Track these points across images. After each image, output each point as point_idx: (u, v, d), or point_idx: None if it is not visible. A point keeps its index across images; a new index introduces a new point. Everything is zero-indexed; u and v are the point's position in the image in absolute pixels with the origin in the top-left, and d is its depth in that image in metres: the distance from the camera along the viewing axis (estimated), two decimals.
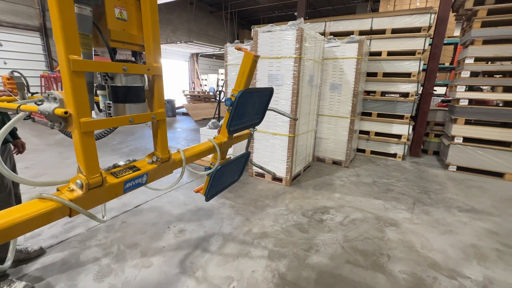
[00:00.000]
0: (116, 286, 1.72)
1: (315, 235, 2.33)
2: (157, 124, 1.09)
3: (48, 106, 0.80)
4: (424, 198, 3.17)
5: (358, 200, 3.05)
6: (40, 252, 2.00)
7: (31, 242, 2.13)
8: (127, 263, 1.93)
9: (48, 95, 0.81)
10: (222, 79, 14.54)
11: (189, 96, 11.14)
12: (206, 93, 11.64)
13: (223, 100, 6.96)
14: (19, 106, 0.90)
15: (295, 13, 15.99)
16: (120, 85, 0.94)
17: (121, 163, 1.04)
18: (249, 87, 1.50)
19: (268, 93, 1.60)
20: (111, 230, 2.34)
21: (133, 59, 1.08)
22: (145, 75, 1.05)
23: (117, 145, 5.29)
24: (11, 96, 1.32)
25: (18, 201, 1.82)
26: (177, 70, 15.28)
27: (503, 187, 3.59)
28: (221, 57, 17.95)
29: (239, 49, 1.48)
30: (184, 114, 9.84)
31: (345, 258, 2.04)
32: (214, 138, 1.53)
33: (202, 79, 15.94)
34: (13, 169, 1.79)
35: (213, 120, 4.16)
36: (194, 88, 15.63)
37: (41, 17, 8.84)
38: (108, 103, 0.98)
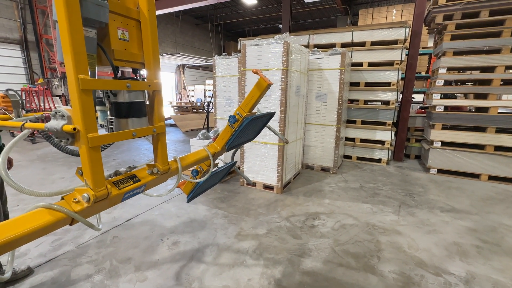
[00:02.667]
0: None
1: (307, 240, 2.39)
2: (157, 137, 1.14)
3: (56, 123, 0.83)
4: (409, 200, 3.33)
5: (347, 205, 3.15)
6: (28, 272, 1.93)
7: (17, 262, 2.06)
8: (121, 279, 1.90)
9: (56, 112, 0.85)
10: (209, 90, 14.64)
11: (176, 107, 11.11)
12: (194, 104, 11.65)
13: (212, 110, 7.03)
14: (23, 124, 0.92)
15: (279, 26, 16.54)
16: (123, 101, 0.99)
17: (122, 169, 1.07)
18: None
19: (269, 117, 1.72)
20: (102, 246, 2.29)
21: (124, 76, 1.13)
22: (146, 91, 1.10)
23: (104, 159, 5.15)
24: (5, 114, 1.33)
25: (6, 219, 1.77)
26: (164, 82, 15.22)
27: (480, 187, 3.83)
28: (207, 68, 18.11)
29: (255, 72, 1.57)
30: (171, 125, 9.77)
31: (337, 261, 2.11)
32: (208, 146, 1.57)
33: (189, 90, 15.97)
34: (1, 186, 1.75)
35: (203, 131, 4.19)
36: (181, 99, 15.59)
37: (21, 30, 8.65)
38: (110, 119, 1.02)
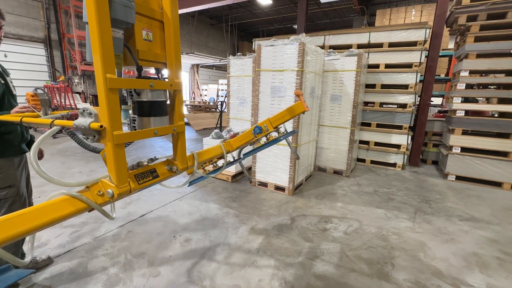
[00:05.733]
0: None
1: (319, 244, 2.37)
2: (177, 136, 1.16)
3: (83, 121, 0.86)
4: (425, 207, 3.22)
5: (360, 210, 3.10)
6: (48, 262, 2.01)
7: (39, 252, 2.15)
8: (135, 272, 1.95)
9: (84, 110, 0.88)
10: (221, 89, 14.76)
11: (189, 106, 11.26)
12: (207, 103, 11.78)
13: (225, 110, 7.09)
14: (52, 121, 0.96)
15: (294, 26, 16.45)
16: (146, 100, 1.01)
17: (144, 161, 1.10)
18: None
19: (290, 134, 1.76)
20: (118, 240, 2.36)
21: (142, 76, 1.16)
22: (167, 90, 1.12)
23: None
24: (35, 111, 1.39)
25: None
26: None
27: (502, 196, 3.66)
28: (220, 68, 18.26)
29: (297, 95, 1.60)
30: (185, 123, 9.90)
31: (350, 266, 2.07)
32: (224, 143, 1.59)
33: (202, 89, 16.16)
34: (28, 178, 1.83)
35: (216, 131, 4.23)
36: (194, 98, 15.80)
37: (46, 29, 9.03)
38: (133, 117, 1.05)
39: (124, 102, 1.18)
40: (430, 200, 3.46)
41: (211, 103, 11.66)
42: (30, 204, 1.84)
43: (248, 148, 1.87)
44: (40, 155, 1.91)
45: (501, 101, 4.12)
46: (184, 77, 16.00)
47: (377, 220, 2.84)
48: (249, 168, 3.95)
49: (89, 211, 0.91)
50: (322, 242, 2.39)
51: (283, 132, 1.75)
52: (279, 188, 3.58)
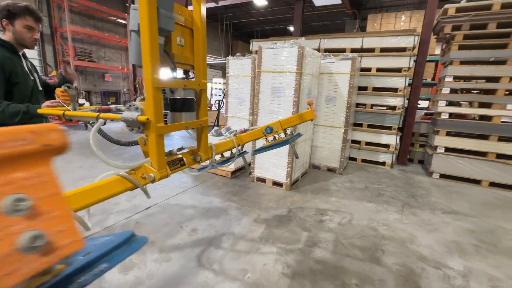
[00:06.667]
0: (141, 278, 1.88)
1: (316, 233, 2.57)
2: (201, 130, 1.32)
3: (131, 114, 1.01)
4: (412, 201, 3.49)
5: (353, 204, 3.32)
6: None
7: None
8: (148, 258, 2.08)
9: (130, 105, 1.03)
10: (216, 88, 14.83)
11: None
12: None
13: (223, 109, 7.23)
14: (98, 114, 1.10)
15: (288, 27, 16.66)
16: (179, 97, 1.17)
17: (174, 150, 1.25)
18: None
19: (297, 137, 1.93)
20: (127, 229, 2.47)
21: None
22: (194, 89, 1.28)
23: (117, 151, 5.38)
24: (64, 106, 1.51)
25: None
26: None
27: (479, 192, 3.98)
28: (214, 67, 18.28)
29: (309, 104, 1.79)
30: None
31: (345, 252, 2.28)
32: (235, 137, 1.75)
33: None
34: None
35: (216, 128, 4.37)
36: None
37: None
38: (165, 113, 1.20)
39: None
40: (416, 195, 3.73)
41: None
42: None
43: (249, 148, 2.04)
44: None
45: (481, 105, 4.45)
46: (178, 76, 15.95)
47: (368, 213, 3.07)
48: (248, 164, 4.12)
49: (131, 190, 1.05)
50: (319, 232, 2.59)
51: (289, 134, 1.92)
52: (276, 184, 3.77)
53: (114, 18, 11.42)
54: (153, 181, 1.05)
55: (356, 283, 1.92)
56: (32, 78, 1.65)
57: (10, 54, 1.53)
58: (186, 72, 1.29)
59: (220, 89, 14.65)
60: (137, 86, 9.60)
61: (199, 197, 3.30)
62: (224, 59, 16.24)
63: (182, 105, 1.18)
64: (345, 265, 2.11)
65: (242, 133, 1.85)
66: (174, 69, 1.13)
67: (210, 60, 14.80)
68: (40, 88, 1.75)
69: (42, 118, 1.66)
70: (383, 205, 3.31)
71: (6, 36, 1.55)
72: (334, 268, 2.07)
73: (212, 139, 4.28)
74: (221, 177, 4.08)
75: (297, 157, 2.25)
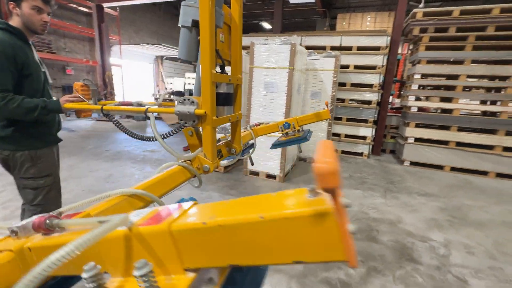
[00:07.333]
0: None
1: None
2: (236, 123, 1.38)
3: (187, 108, 1.04)
4: (391, 187, 3.88)
5: (343, 191, 3.59)
6: None
7: None
8: None
9: (184, 99, 1.05)
10: (189, 83, 14.42)
11: (157, 99, 10.82)
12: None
13: None
14: (147, 109, 1.10)
15: (260, 23, 16.74)
16: (222, 91, 1.21)
17: (221, 142, 1.30)
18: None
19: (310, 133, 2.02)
20: None
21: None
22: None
23: (95, 150, 5.06)
24: (85, 101, 1.45)
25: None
26: (142, 73, 14.65)
27: (444, 176, 4.55)
28: (187, 61, 17.72)
29: (326, 105, 1.87)
30: (156, 118, 9.55)
31: None
32: (252, 129, 1.83)
33: (168, 83, 15.56)
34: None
35: None
36: (159, 91, 15.14)
37: None
38: None
39: (180, 94, 1.36)
40: (394, 181, 4.14)
41: None
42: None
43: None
44: None
45: (443, 100, 5.05)
46: (148, 69, 15.20)
47: (358, 199, 3.35)
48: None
49: (188, 180, 1.10)
50: None
51: (302, 131, 2.02)
52: (270, 176, 3.90)
53: (75, 6, 10.46)
54: (207, 171, 1.09)
55: (361, 259, 2.14)
56: (42, 69, 1.54)
57: (21, 43, 1.41)
58: (222, 68, 1.33)
59: (193, 84, 14.27)
60: (107, 80, 8.98)
61: (197, 192, 3.30)
62: None
63: (225, 99, 1.23)
64: None
65: (257, 127, 1.94)
66: (223, 65, 1.18)
67: None
68: (51, 81, 1.63)
69: (56, 113, 1.56)
70: (368, 192, 3.63)
71: (14, 21, 1.42)
72: None
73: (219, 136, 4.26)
74: (214, 172, 4.08)
75: (300, 151, 2.38)
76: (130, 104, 1.54)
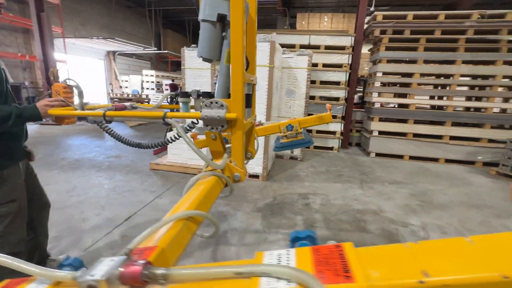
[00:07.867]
0: None
1: (308, 215, 2.81)
2: (252, 126, 1.30)
3: (216, 112, 0.93)
4: (365, 178, 4.16)
5: (324, 186, 3.73)
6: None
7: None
8: None
9: (211, 102, 0.95)
10: (147, 81, 13.45)
11: (116, 100, 9.93)
12: (138, 96, 10.65)
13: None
14: (165, 113, 0.96)
15: None
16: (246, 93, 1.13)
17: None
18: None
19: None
20: (116, 246, 2.16)
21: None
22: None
23: (47, 159, 4.40)
24: (69, 105, 1.21)
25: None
26: (91, 70, 13.20)
27: (405, 165, 5.04)
28: (142, 57, 16.53)
29: (329, 109, 1.85)
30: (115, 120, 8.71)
31: (338, 227, 2.60)
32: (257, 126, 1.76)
33: (122, 81, 14.32)
34: (35, 179, 1.56)
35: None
36: (112, 90, 13.85)
37: None
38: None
39: (185, 95, 1.24)
40: (366, 172, 4.45)
41: (143, 96, 10.61)
42: (47, 205, 1.60)
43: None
44: (32, 156, 1.58)
45: (399, 95, 5.58)
46: (99, 66, 13.76)
47: (339, 191, 3.52)
48: None
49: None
50: (310, 214, 2.84)
51: (301, 133, 2.01)
52: (252, 176, 3.85)
53: None
54: (238, 180, 1.01)
55: None
56: (2, 67, 1.24)
57: None
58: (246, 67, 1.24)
59: (153, 82, 13.43)
60: (52, 78, 7.82)
61: (179, 199, 3.08)
62: (155, 48, 14.86)
63: (248, 101, 1.14)
64: (342, 238, 2.42)
65: (257, 127, 1.87)
66: (247, 63, 1.09)
67: (139, 49, 13.33)
68: (11, 80, 1.33)
69: (33, 121, 1.28)
70: (347, 184, 3.84)
71: None
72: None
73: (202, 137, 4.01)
74: (192, 175, 3.88)
75: (292, 152, 2.39)
76: (124, 108, 1.36)
